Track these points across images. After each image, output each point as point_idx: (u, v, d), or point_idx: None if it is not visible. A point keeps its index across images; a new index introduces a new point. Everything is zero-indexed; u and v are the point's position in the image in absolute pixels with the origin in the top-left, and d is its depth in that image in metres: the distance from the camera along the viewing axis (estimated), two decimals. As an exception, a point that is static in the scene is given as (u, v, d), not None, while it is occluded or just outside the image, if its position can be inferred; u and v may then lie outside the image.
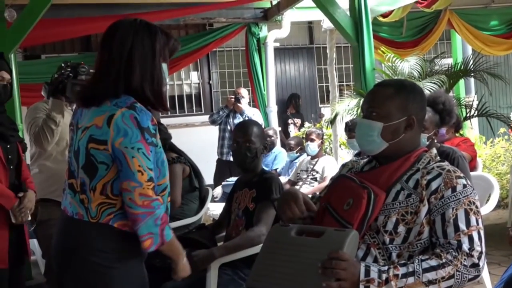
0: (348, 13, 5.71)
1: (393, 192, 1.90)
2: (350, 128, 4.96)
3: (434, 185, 1.85)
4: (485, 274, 3.33)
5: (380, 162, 2.02)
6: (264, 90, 7.95)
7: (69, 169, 2.03)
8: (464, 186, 1.85)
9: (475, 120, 8.66)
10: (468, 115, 5.87)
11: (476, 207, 1.84)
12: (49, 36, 6.62)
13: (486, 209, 3.32)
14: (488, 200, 3.44)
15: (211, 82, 9.71)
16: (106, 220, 1.92)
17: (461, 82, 8.47)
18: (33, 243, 3.83)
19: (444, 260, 1.72)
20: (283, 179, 5.84)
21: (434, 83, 5.15)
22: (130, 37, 1.95)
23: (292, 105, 9.10)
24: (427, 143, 3.26)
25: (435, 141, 4.68)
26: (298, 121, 8.93)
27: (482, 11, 7.81)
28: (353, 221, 1.85)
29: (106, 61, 1.97)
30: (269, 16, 7.87)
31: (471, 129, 8.46)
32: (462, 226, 1.78)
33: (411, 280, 1.70)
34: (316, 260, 1.69)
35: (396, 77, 5.50)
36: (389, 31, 7.30)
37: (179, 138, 8.16)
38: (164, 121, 9.46)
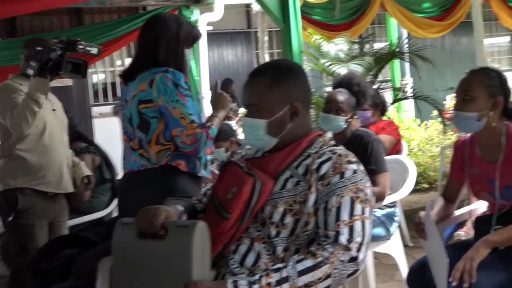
0: (275, -6, 5.55)
1: (282, 180, 1.76)
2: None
3: (323, 170, 1.71)
4: (402, 263, 3.25)
5: (271, 150, 1.87)
6: (196, 76, 7.71)
7: (126, 135, 2.53)
8: (354, 172, 1.71)
9: (410, 103, 8.72)
10: (397, 97, 5.82)
11: (365, 194, 1.70)
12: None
13: (402, 193, 3.23)
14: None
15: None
16: (166, 161, 2.43)
17: (397, 65, 8.49)
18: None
19: (319, 259, 1.58)
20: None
21: (361, 65, 5.05)
22: (160, 24, 2.49)
23: (226, 90, 8.92)
24: (344, 126, 3.14)
25: (359, 124, 4.62)
26: (233, 105, 8.75)
27: (414, -7, 7.80)
28: (233, 210, 1.70)
29: (140, 45, 2.54)
30: (200, -2, 7.62)
31: (406, 112, 8.51)
32: (345, 215, 1.64)
33: (285, 287, 1.55)
34: (166, 274, 1.55)
35: (323, 60, 5.38)
36: (322, 13, 7.18)
37: (112, 127, 7.97)
38: (97, 109, 9.27)
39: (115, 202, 3.83)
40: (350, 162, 1.73)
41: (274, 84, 1.79)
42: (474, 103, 2.25)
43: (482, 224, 2.27)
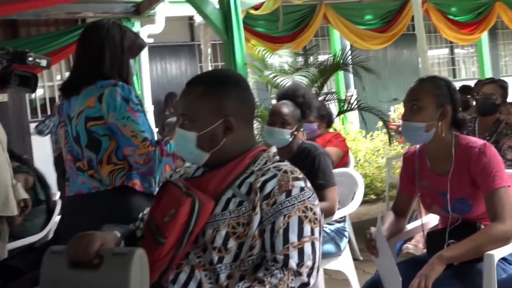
0: (217, 6, 5.43)
1: (223, 200, 1.61)
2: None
3: (267, 188, 1.58)
4: (353, 278, 3.15)
5: (210, 167, 1.72)
6: (138, 90, 7.49)
7: (71, 154, 2.33)
8: (302, 189, 1.59)
9: (355, 115, 8.76)
10: (342, 109, 5.79)
11: (314, 213, 1.57)
12: None
13: (351, 207, 3.14)
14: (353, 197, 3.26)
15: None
16: (121, 182, 2.26)
17: (341, 77, 8.53)
18: None
19: (267, 287, 1.44)
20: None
21: (305, 76, 4.98)
22: (103, 33, 2.30)
23: (170, 104, 8.73)
24: (290, 139, 3.02)
25: (304, 137, 4.53)
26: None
27: (356, 5, 7.86)
28: (170, 234, 1.54)
29: (81, 55, 2.35)
30: (141, 10, 7.43)
31: (352, 123, 8.54)
32: (293, 237, 1.51)
33: None
34: None
35: (267, 72, 5.29)
36: (265, 25, 7.12)
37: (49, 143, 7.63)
38: (35, 125, 8.87)
39: (50, 225, 3.58)
40: (296, 179, 1.60)
41: (206, 95, 1.65)
42: (422, 113, 2.18)
43: (435, 239, 2.19)
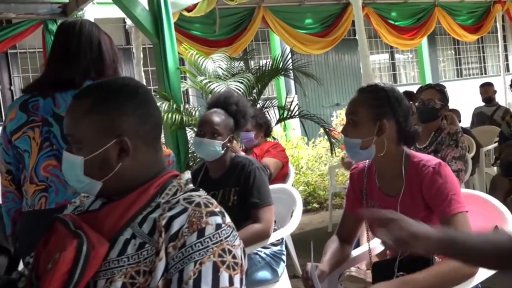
0: (147, 7, 5.05)
1: (121, 242, 1.26)
2: None
3: (175, 226, 1.24)
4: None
5: (108, 198, 1.37)
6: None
7: (57, 159, 2.09)
8: (218, 227, 1.25)
9: (297, 121, 8.53)
10: (282, 116, 5.51)
11: (234, 257, 1.23)
12: None
13: (289, 228, 2.82)
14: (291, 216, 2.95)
15: (12, 88, 8.51)
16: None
17: (282, 82, 8.27)
18: None
19: None
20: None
21: (241, 82, 4.66)
22: (97, 32, 2.17)
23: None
24: (222, 151, 2.69)
25: (242, 147, 4.21)
26: None
27: (296, 8, 7.61)
28: (48, 286, 1.19)
29: (75, 51, 2.13)
30: (68, 11, 6.93)
31: (293, 130, 8.30)
32: None
33: None
34: None
35: (200, 77, 4.94)
36: (202, 28, 6.77)
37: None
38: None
39: None
40: (212, 214, 1.27)
41: (93, 110, 1.30)
42: (358, 128, 1.91)
43: (382, 271, 1.91)
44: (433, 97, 3.51)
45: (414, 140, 1.95)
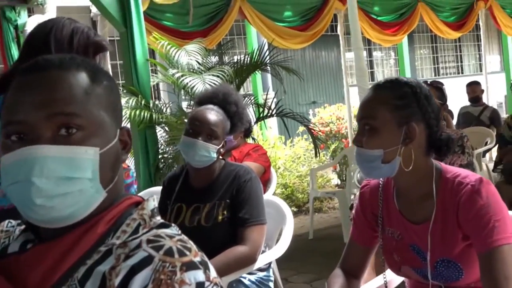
0: (113, -8, 4.55)
1: None
2: None
3: (134, 285, 0.82)
4: None
5: (39, 238, 0.94)
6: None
7: None
8: (200, 286, 0.82)
9: (273, 120, 8.10)
10: (262, 115, 5.06)
11: None
12: None
13: (278, 251, 2.37)
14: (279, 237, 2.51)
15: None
16: None
17: (258, 78, 7.83)
18: None
19: None
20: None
21: (218, 76, 4.19)
22: (47, 30, 1.88)
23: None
24: (215, 158, 2.22)
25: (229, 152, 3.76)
26: None
27: (275, 0, 7.17)
28: None
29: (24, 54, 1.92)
30: (28, -2, 6.37)
31: (270, 129, 7.86)
32: None
33: None
34: None
35: (173, 70, 4.46)
36: (174, 19, 6.26)
37: None
38: None
39: None
40: (189, 267, 0.85)
41: (94, 85, 0.94)
42: (378, 136, 1.46)
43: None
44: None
45: (449, 150, 1.52)
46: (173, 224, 0.95)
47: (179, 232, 0.93)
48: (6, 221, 1.05)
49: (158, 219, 0.96)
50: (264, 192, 3.82)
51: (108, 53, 5.50)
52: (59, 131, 0.87)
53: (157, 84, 6.56)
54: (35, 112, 0.87)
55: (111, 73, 4.16)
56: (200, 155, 2.19)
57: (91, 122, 0.89)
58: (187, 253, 0.86)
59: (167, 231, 0.91)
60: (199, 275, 0.84)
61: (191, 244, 0.90)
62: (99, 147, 0.89)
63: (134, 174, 2.45)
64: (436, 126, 1.50)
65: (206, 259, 0.89)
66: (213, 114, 2.24)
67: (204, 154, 2.19)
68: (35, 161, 0.84)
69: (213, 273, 0.87)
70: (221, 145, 2.24)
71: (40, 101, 0.87)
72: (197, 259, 0.86)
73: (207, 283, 0.84)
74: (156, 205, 0.99)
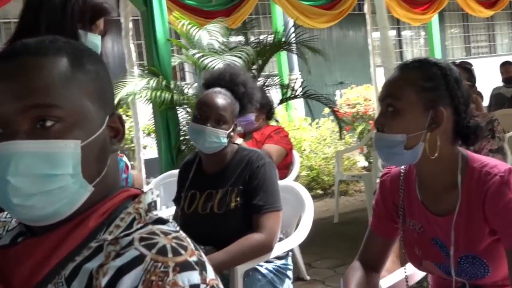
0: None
1: None
2: None
3: (123, 285, 0.75)
4: None
5: (31, 231, 0.88)
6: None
7: None
8: None
9: (299, 101, 7.98)
10: (286, 96, 4.96)
11: None
12: None
13: (296, 239, 2.28)
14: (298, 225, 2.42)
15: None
16: None
17: (284, 59, 7.70)
18: None
19: None
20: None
21: (239, 57, 4.10)
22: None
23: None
24: (226, 143, 2.15)
25: (241, 130, 3.68)
26: None
27: (300, -22, 7.01)
28: None
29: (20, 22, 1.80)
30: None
31: (296, 110, 7.75)
32: None
33: None
34: None
35: (192, 51, 4.37)
36: (197, -2, 6.18)
37: None
38: None
39: None
40: (184, 268, 0.78)
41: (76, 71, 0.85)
42: (401, 119, 1.36)
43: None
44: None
45: (477, 139, 1.40)
46: (170, 220, 0.89)
47: (177, 228, 0.86)
48: (5, 212, 1.01)
49: (155, 213, 0.89)
50: (287, 175, 3.78)
51: (130, 32, 5.47)
52: (36, 124, 0.80)
53: (183, 66, 6.49)
54: (9, 104, 0.79)
55: (134, 53, 4.05)
56: (210, 142, 2.11)
57: (71, 112, 0.81)
58: (182, 252, 0.79)
59: (163, 227, 0.84)
60: (194, 276, 0.77)
61: (188, 242, 0.82)
62: (81, 139, 0.81)
63: (126, 162, 2.39)
64: (465, 112, 1.39)
65: (204, 259, 0.82)
66: (220, 98, 2.15)
67: (214, 140, 2.12)
68: (10, 158, 0.77)
69: (210, 274, 0.80)
70: (231, 129, 2.17)
71: (14, 93, 0.80)
72: (193, 259, 0.79)
73: (202, 286, 0.77)
74: (155, 198, 0.92)
